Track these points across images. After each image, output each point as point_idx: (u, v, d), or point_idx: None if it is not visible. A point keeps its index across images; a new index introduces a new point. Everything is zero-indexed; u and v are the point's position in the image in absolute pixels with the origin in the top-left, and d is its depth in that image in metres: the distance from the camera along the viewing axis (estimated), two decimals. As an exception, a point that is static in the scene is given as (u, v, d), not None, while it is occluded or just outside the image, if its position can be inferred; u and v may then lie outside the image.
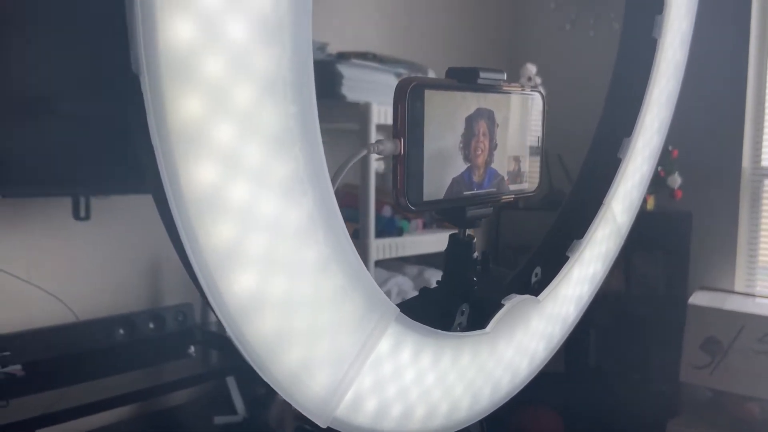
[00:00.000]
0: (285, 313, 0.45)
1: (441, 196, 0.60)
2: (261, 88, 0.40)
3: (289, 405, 0.47)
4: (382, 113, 1.75)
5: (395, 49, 2.20)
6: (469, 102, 0.62)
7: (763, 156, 2.49)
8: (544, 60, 2.49)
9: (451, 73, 0.63)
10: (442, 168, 0.60)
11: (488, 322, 0.65)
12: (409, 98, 0.55)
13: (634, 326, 2.56)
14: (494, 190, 0.67)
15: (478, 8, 2.78)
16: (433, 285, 0.71)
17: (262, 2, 0.40)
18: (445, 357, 0.60)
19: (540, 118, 0.72)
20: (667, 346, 2.39)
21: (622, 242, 0.84)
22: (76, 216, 1.54)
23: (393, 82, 1.89)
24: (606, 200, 0.78)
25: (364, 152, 0.55)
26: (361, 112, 1.73)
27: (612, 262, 0.84)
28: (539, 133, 0.72)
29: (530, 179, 0.72)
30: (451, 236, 0.69)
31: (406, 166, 0.56)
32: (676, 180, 2.36)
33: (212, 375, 1.73)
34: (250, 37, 0.39)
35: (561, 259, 0.75)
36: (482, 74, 0.63)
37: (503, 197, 0.68)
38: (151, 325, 1.72)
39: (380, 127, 1.77)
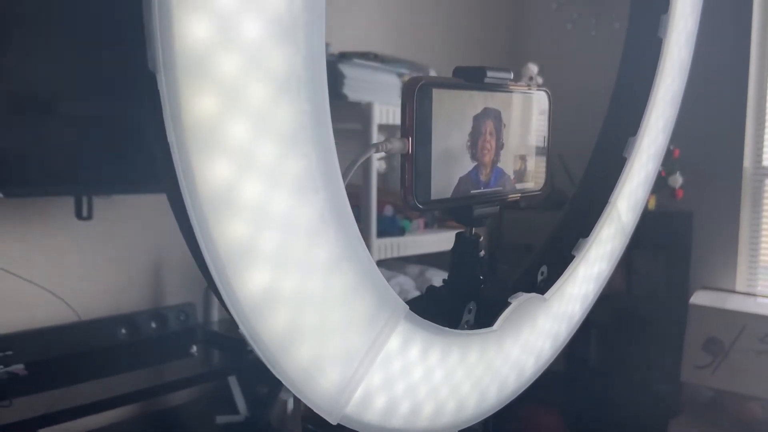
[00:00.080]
0: (297, 310, 0.45)
1: (448, 194, 0.60)
2: (275, 87, 0.40)
3: (296, 404, 0.48)
4: (384, 113, 1.76)
5: (397, 49, 2.20)
6: (477, 101, 0.62)
7: (765, 155, 2.49)
8: (546, 60, 2.49)
9: (458, 72, 0.63)
10: (450, 167, 0.60)
11: (495, 320, 0.65)
12: (417, 97, 0.55)
13: (635, 326, 2.56)
14: (501, 188, 0.67)
15: (480, 8, 2.78)
16: (437, 284, 0.71)
17: (277, 1, 0.40)
18: (452, 355, 0.60)
19: (546, 117, 0.72)
20: (668, 345, 2.39)
21: (627, 241, 0.85)
22: (79, 216, 1.54)
23: (395, 82, 1.89)
24: (612, 199, 0.78)
25: (373, 151, 0.55)
26: (363, 112, 1.73)
27: (617, 261, 0.84)
28: (545, 132, 0.72)
29: (536, 178, 0.72)
30: (457, 235, 0.70)
31: (414, 164, 0.56)
32: (677, 180, 2.36)
33: (214, 375, 1.73)
34: (264, 35, 0.39)
35: (567, 257, 0.76)
36: (489, 73, 0.63)
37: (510, 196, 0.69)
38: (153, 325, 1.72)
39: (382, 127, 1.77)
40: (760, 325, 2.16)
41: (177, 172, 0.38)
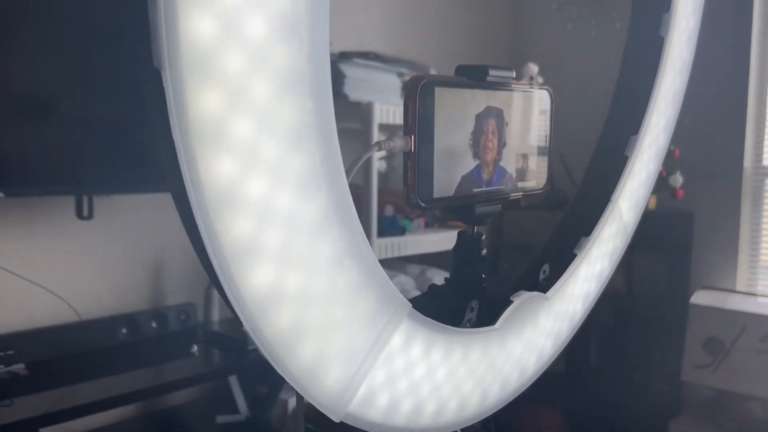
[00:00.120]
0: (301, 308, 0.45)
1: (451, 193, 0.60)
2: (280, 84, 0.40)
3: (299, 403, 0.48)
4: (385, 113, 1.76)
5: (397, 49, 2.20)
6: (479, 99, 0.62)
7: (765, 155, 2.50)
8: (546, 60, 2.50)
9: (461, 70, 0.63)
10: (452, 165, 0.60)
11: (497, 319, 0.65)
12: (420, 95, 0.55)
13: (635, 325, 2.56)
14: (503, 187, 0.67)
15: (480, 8, 2.78)
16: (439, 283, 0.71)
17: (281, -1, 0.40)
18: (455, 353, 0.60)
19: (548, 115, 0.72)
20: (669, 345, 2.39)
21: (629, 240, 0.85)
22: (79, 215, 1.54)
23: (395, 81, 1.89)
24: (613, 198, 0.78)
25: (376, 149, 0.55)
26: (364, 111, 1.73)
27: (618, 260, 0.84)
28: (547, 131, 0.72)
29: (538, 177, 0.72)
30: (459, 233, 0.70)
31: (417, 163, 0.56)
32: (677, 179, 2.36)
33: (215, 374, 1.73)
34: (269, 33, 0.39)
35: (569, 256, 0.76)
36: (491, 72, 0.63)
37: (512, 194, 0.69)
38: (154, 325, 1.72)
39: (383, 127, 1.77)
40: (761, 325, 2.16)
41: (182, 169, 0.38)
